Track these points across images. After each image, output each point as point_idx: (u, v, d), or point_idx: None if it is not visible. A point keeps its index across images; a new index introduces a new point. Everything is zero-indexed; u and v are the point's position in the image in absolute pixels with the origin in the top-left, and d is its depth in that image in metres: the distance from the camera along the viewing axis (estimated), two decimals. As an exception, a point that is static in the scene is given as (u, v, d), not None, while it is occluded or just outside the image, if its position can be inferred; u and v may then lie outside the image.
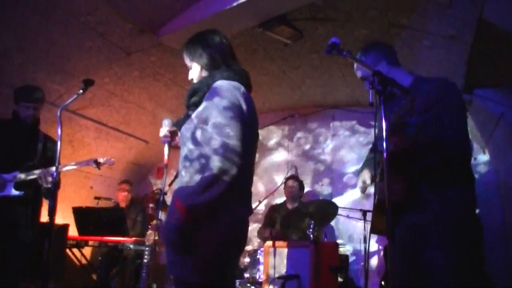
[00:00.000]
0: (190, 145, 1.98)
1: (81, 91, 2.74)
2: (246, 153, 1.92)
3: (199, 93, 2.06)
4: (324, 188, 5.89)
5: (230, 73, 2.07)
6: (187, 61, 2.20)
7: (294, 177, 5.39)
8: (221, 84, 1.98)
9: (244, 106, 1.94)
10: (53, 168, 3.33)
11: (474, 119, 4.50)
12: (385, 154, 1.80)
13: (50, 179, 3.34)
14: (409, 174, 2.12)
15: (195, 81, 2.18)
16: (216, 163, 1.81)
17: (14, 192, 3.36)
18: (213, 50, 2.12)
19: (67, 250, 4.66)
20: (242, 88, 2.02)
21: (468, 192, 2.14)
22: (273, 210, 5.33)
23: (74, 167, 3.50)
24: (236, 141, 1.84)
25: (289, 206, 5.22)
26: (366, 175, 2.41)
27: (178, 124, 2.15)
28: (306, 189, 5.72)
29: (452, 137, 2.11)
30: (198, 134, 1.96)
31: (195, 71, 2.18)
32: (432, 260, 2.07)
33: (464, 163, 2.18)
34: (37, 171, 3.37)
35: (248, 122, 1.96)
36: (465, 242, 2.05)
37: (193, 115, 2.02)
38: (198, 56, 2.14)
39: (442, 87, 2.20)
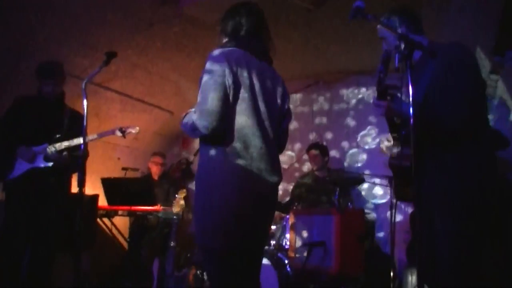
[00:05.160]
0: None
1: (104, 64, 2.76)
2: (250, 119, 2.05)
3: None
4: (350, 155, 5.85)
5: (232, 42, 2.17)
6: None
7: (315, 145, 5.32)
8: (211, 53, 2.09)
9: (227, 70, 2.01)
10: (76, 141, 3.42)
11: (506, 82, 4.34)
12: (411, 120, 1.76)
13: (56, 154, 3.46)
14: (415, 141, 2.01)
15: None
16: (194, 118, 1.99)
17: (44, 163, 3.47)
18: (236, 21, 2.22)
19: (98, 220, 4.79)
20: (238, 54, 2.09)
21: (471, 160, 2.03)
22: (297, 186, 5.30)
23: (97, 137, 3.57)
24: (211, 104, 1.95)
25: (318, 174, 5.18)
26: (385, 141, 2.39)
27: None
28: (332, 156, 5.70)
29: (458, 104, 2.01)
30: None
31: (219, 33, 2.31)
32: (437, 228, 2.05)
33: (468, 131, 2.04)
34: (49, 147, 3.47)
35: (244, 85, 2.05)
36: (466, 210, 1.99)
37: None
38: (224, 21, 2.27)
39: (453, 54, 2.11)
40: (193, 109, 2.08)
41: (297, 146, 6.23)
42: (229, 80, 2.01)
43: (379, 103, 2.16)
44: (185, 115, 2.15)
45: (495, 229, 2.05)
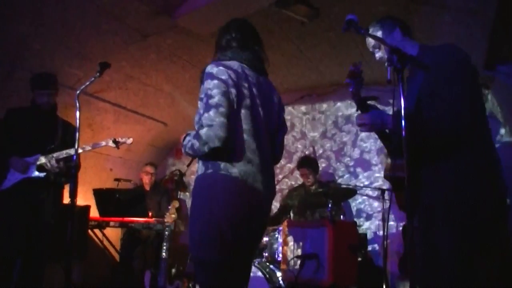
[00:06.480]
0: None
1: (97, 74, 2.76)
2: (250, 131, 2.05)
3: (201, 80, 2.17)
4: (343, 167, 5.86)
5: (227, 55, 2.19)
6: None
7: (306, 163, 5.26)
8: (208, 67, 2.08)
9: (230, 82, 2.02)
10: (72, 151, 3.41)
11: (496, 96, 4.40)
12: (403, 132, 1.76)
13: (55, 164, 3.42)
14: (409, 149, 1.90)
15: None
16: (203, 133, 1.94)
17: (37, 174, 3.45)
18: (227, 35, 2.27)
19: (89, 231, 4.76)
20: (236, 66, 2.11)
21: (466, 166, 2.00)
22: (288, 196, 5.30)
23: (91, 148, 3.56)
24: (220, 116, 1.93)
25: (309, 186, 5.18)
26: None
27: None
28: (325, 168, 5.71)
29: (448, 111, 1.97)
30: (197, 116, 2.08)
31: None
32: (436, 240, 2.02)
33: (462, 136, 2.00)
34: (44, 158, 3.45)
35: (245, 96, 2.06)
36: (463, 219, 1.96)
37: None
38: (218, 39, 2.31)
39: (445, 55, 2.09)
40: (191, 131, 2.08)
41: (290, 158, 6.24)
42: (232, 92, 2.01)
43: (362, 122, 2.15)
44: (184, 138, 2.13)
45: (494, 239, 2.02)
